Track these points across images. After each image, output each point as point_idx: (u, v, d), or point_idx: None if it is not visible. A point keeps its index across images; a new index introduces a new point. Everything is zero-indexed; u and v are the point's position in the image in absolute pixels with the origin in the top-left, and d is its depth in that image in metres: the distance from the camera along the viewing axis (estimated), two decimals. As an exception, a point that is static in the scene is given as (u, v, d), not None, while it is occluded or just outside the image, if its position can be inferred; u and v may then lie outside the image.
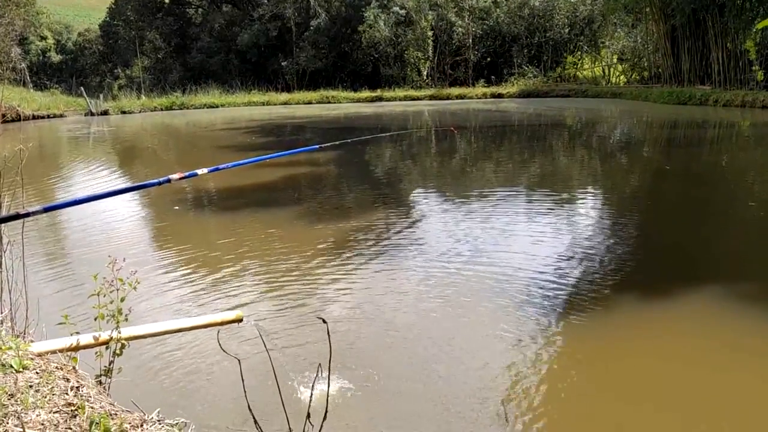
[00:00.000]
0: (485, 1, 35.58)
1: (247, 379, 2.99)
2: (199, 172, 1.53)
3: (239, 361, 1.67)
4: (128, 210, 7.48)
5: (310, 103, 31.86)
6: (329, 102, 32.04)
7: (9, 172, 3.33)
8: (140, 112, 29.44)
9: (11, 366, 1.89)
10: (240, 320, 3.23)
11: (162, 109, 30.23)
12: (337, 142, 2.97)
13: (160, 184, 1.36)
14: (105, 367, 2.55)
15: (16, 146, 3.38)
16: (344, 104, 31.20)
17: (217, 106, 31.12)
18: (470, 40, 35.20)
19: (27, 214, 1.08)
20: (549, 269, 4.70)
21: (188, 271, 4.96)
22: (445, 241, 5.56)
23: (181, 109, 30.42)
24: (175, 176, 1.40)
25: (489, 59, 36.18)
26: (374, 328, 3.73)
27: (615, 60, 33.82)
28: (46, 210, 1.12)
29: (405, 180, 9.65)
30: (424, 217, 6.80)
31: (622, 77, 33.11)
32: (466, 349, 3.42)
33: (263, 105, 31.78)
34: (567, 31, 34.27)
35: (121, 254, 5.14)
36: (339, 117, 23.63)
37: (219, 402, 2.93)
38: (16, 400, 1.68)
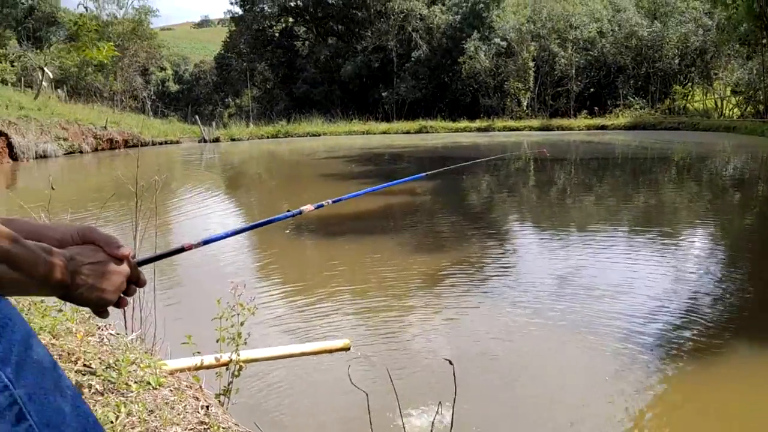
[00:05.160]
0: (590, 32, 34.95)
1: (353, 410, 3.05)
2: (324, 203, 1.60)
3: (367, 395, 1.70)
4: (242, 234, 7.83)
5: (408, 132, 32.28)
6: (427, 132, 32.32)
7: (144, 200, 3.61)
8: (248, 139, 30.88)
9: (149, 383, 2.04)
10: (348, 348, 3.31)
11: (268, 137, 31.57)
12: (442, 169, 3.02)
13: (293, 216, 1.44)
14: (224, 387, 2.68)
15: (152, 177, 3.67)
16: (442, 134, 31.37)
17: (319, 135, 32.14)
18: (573, 71, 34.59)
19: (190, 247, 1.17)
20: (652, 309, 4.50)
21: (295, 296, 5.13)
22: (543, 277, 5.45)
23: (285, 137, 31.64)
24: (307, 208, 1.48)
25: (592, 90, 35.40)
26: (474, 363, 3.69)
27: (728, 92, 32.13)
28: (205, 243, 1.21)
29: (501, 211, 9.55)
30: (521, 250, 6.70)
31: (735, 110, 31.37)
32: (565, 387, 3.32)
33: (363, 134, 32.51)
34: (677, 62, 32.97)
35: (231, 277, 5.39)
36: (436, 146, 23.78)
37: (327, 428, 2.99)
38: (156, 417, 1.81)
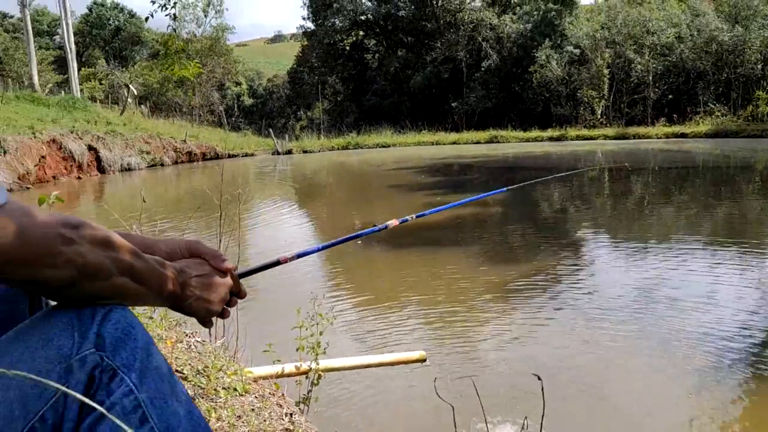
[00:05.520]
0: (667, 37, 33.78)
1: (430, 422, 3.06)
2: (409, 218, 1.63)
3: (453, 407, 1.71)
4: (312, 242, 7.99)
5: (478, 142, 32.08)
6: (498, 142, 32.00)
7: (224, 211, 3.75)
8: (319, 151, 31.46)
9: (235, 389, 2.11)
10: (423, 360, 3.32)
11: (338, 149, 32.06)
12: (525, 183, 2.99)
13: (380, 230, 1.48)
14: (304, 395, 2.74)
15: (231, 189, 3.81)
16: (513, 144, 30.99)
17: (389, 146, 32.36)
18: (650, 78, 33.51)
19: (285, 260, 1.22)
20: (738, 323, 4.29)
21: (367, 306, 5.18)
22: (620, 289, 5.30)
23: (355, 148, 32.04)
24: (392, 222, 1.51)
25: (671, 97, 34.16)
26: (552, 377, 3.63)
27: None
28: (299, 256, 1.26)
29: (575, 222, 9.33)
30: (597, 262, 6.53)
31: (826, 116, 29.55)
32: (647, 402, 3.21)
33: (432, 145, 32.51)
34: (760, 67, 31.36)
35: (304, 287, 5.49)
36: (507, 156, 23.51)
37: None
38: (244, 422, 1.88)
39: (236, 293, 1.08)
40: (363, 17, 44.00)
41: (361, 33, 46.25)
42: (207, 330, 3.21)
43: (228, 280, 1.04)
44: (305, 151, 31.02)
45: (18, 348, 0.77)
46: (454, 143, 32.38)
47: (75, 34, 33.55)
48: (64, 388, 0.54)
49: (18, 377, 0.70)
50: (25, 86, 27.03)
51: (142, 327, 0.85)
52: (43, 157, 16.67)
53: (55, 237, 0.75)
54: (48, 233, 0.75)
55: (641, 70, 33.53)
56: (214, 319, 1.05)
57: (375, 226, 1.54)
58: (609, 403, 3.33)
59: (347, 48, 46.31)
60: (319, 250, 1.36)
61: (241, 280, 1.13)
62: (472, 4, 41.80)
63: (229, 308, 1.07)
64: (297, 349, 2.77)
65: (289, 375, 2.74)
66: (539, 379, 1.50)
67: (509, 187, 2.22)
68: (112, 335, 0.80)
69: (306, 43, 48.14)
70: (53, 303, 0.87)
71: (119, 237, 0.85)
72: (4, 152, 14.42)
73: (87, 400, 0.55)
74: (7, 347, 0.77)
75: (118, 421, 0.54)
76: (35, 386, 0.74)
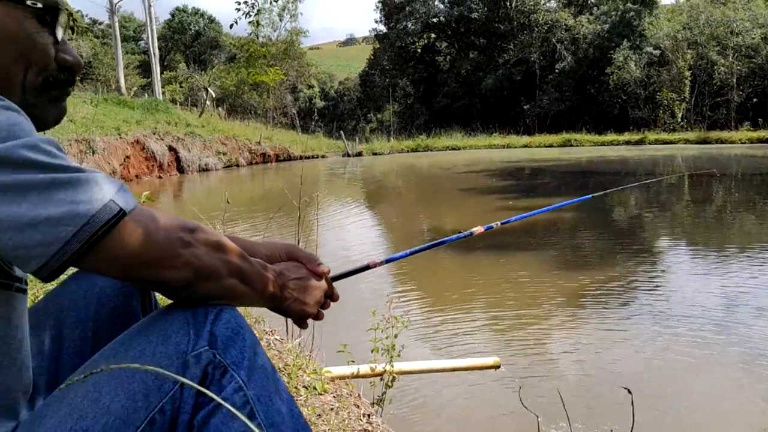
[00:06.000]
0: (753, 38, 32.15)
1: (506, 428, 3.03)
2: (494, 225, 1.64)
3: (537, 417, 1.71)
4: (385, 245, 8.06)
5: (551, 146, 31.45)
6: (571, 145, 31.26)
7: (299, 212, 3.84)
8: (389, 153, 31.60)
9: (315, 388, 2.17)
10: (498, 366, 3.30)
11: (408, 151, 32.11)
12: (610, 190, 2.92)
13: (464, 237, 1.49)
14: (378, 396, 2.78)
15: (308, 191, 3.89)
16: (587, 147, 30.21)
17: (459, 149, 32.18)
18: (734, 80, 31.98)
19: (375, 265, 1.25)
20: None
21: (437, 310, 5.18)
22: (700, 299, 5.08)
23: (425, 151, 32.02)
24: (477, 229, 1.52)
25: (755, 100, 32.49)
26: (632, 387, 3.52)
27: None
28: (387, 261, 1.29)
29: (651, 229, 9.02)
30: (674, 270, 6.30)
31: None
32: (730, 418, 3.08)
33: (503, 148, 32.10)
34: None
35: (372, 290, 5.54)
36: (580, 161, 22.95)
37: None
38: (323, 421, 1.92)
39: (330, 296, 1.11)
40: (435, 20, 43.96)
41: (433, 35, 46.21)
42: (286, 328, 3.30)
43: (323, 283, 1.07)
44: (375, 153, 31.22)
45: (140, 343, 0.83)
46: (525, 146, 31.88)
47: (158, 39, 35.00)
48: (191, 383, 0.58)
49: (150, 371, 0.75)
50: (112, 89, 28.42)
51: (249, 327, 0.89)
52: (127, 157, 17.48)
53: (176, 240, 0.81)
54: (170, 237, 0.80)
55: (724, 72, 32.06)
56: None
57: (460, 232, 1.55)
58: (689, 416, 3.21)
59: (419, 50, 46.38)
60: (406, 255, 1.38)
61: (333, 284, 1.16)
62: (548, 4, 41.08)
63: (323, 310, 1.11)
64: (372, 351, 2.81)
65: (364, 376, 2.78)
66: (629, 392, 1.47)
67: (595, 194, 2.18)
68: (224, 334, 0.85)
69: (378, 46, 48.52)
70: (161, 300, 0.92)
71: (229, 240, 0.90)
72: (93, 152, 15.22)
73: (208, 392, 0.59)
74: (131, 342, 0.83)
75: (236, 412, 0.58)
76: (156, 379, 0.79)
